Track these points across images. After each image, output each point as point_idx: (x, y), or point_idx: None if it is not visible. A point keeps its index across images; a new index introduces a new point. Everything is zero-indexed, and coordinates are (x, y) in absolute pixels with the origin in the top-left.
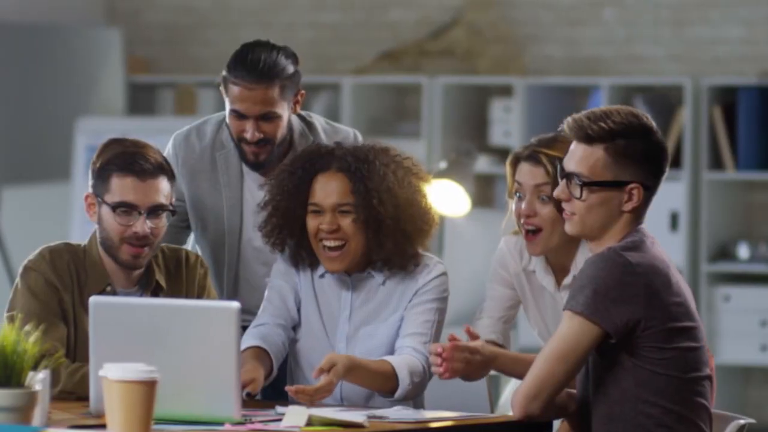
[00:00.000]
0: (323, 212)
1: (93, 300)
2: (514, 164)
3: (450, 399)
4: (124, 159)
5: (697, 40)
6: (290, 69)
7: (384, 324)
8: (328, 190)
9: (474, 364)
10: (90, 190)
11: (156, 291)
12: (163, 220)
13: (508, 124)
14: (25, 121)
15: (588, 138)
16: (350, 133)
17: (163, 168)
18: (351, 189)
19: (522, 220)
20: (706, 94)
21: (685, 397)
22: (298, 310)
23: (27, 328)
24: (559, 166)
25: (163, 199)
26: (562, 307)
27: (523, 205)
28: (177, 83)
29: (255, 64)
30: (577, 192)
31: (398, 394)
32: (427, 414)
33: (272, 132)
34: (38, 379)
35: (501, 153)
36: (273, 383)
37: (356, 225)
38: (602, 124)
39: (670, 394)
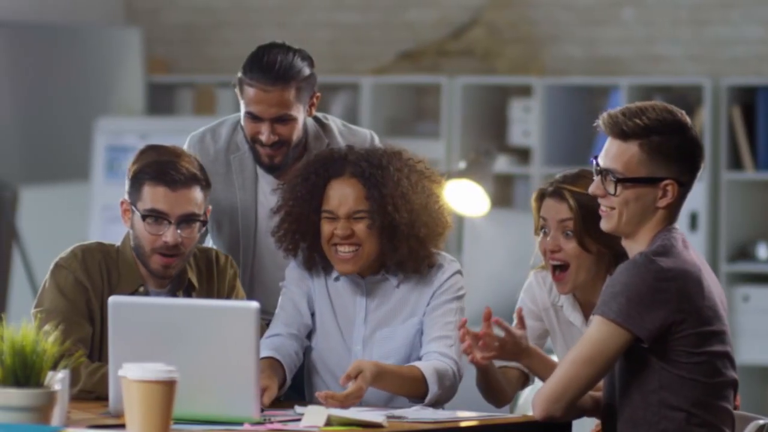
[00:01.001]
0: (337, 218)
1: (112, 300)
2: (539, 200)
3: (469, 399)
4: (157, 168)
5: (716, 40)
6: (306, 71)
7: (402, 326)
8: (342, 196)
9: (506, 350)
10: (126, 196)
11: (189, 290)
12: (195, 230)
13: (527, 124)
14: (45, 120)
15: (623, 134)
16: (367, 135)
17: (197, 178)
18: (365, 195)
19: (547, 256)
20: (726, 94)
21: (709, 401)
22: (312, 315)
23: (47, 327)
24: (594, 163)
25: (194, 209)
26: None
27: (548, 240)
28: (196, 83)
29: (271, 66)
30: (611, 188)
31: (428, 399)
32: (447, 414)
33: (287, 134)
34: (57, 379)
35: (520, 153)
36: (290, 383)
37: (370, 230)
38: (637, 121)
39: (694, 398)
